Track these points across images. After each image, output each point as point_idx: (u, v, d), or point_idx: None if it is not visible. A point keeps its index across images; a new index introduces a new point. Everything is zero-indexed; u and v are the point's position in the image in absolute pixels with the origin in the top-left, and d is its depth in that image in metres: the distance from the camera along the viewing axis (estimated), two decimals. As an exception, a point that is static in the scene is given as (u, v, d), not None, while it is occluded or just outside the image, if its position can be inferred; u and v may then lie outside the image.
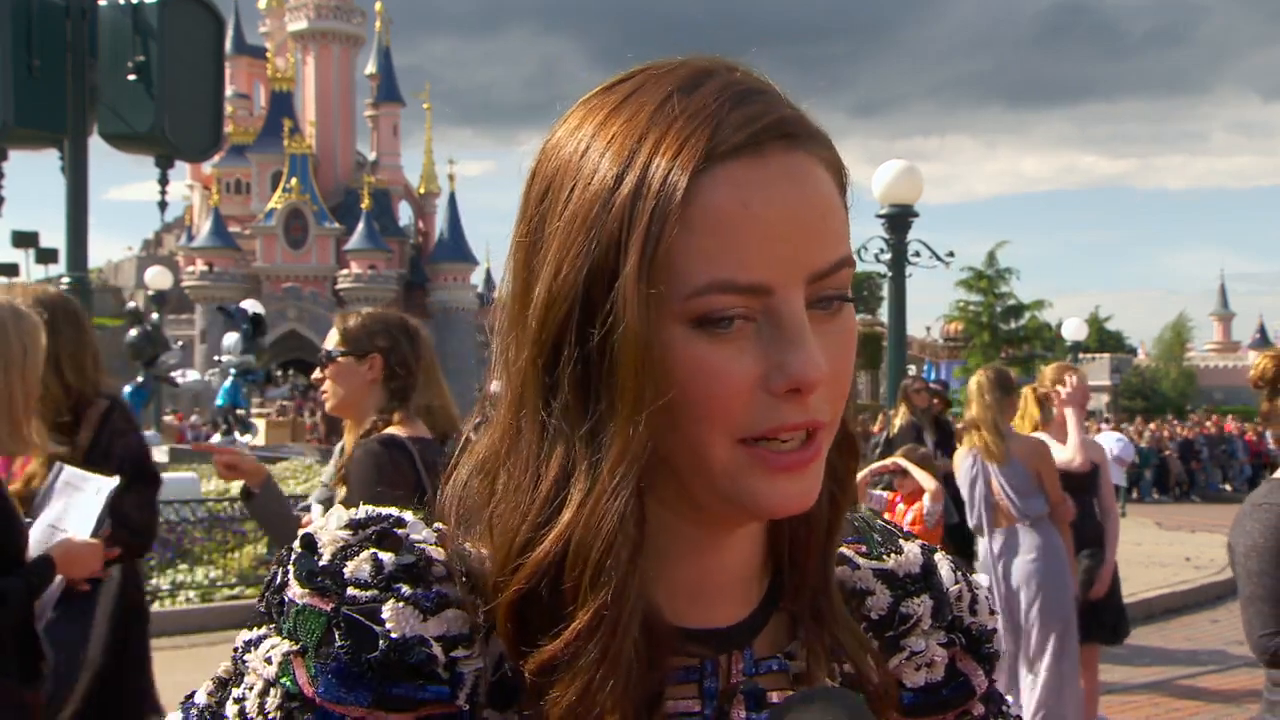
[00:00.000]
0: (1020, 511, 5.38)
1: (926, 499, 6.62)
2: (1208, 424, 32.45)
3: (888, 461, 7.10)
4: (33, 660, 2.89)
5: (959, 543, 6.45)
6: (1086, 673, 5.77)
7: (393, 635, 0.71)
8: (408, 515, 0.77)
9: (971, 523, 5.62)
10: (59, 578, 2.96)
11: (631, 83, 0.75)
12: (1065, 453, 5.64)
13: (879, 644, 0.86)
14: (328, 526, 0.76)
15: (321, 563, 0.74)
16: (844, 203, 0.76)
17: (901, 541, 0.92)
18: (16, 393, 2.81)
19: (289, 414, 28.46)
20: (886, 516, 0.93)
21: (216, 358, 23.11)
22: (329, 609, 0.72)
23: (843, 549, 0.89)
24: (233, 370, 21.09)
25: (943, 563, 0.92)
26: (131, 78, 6.56)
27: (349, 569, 0.73)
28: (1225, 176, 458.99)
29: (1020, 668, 5.45)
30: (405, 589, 0.73)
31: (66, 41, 6.65)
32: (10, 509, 2.83)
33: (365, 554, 0.74)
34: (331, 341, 3.08)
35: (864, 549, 0.90)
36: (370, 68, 79.45)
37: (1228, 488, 28.80)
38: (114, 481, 3.17)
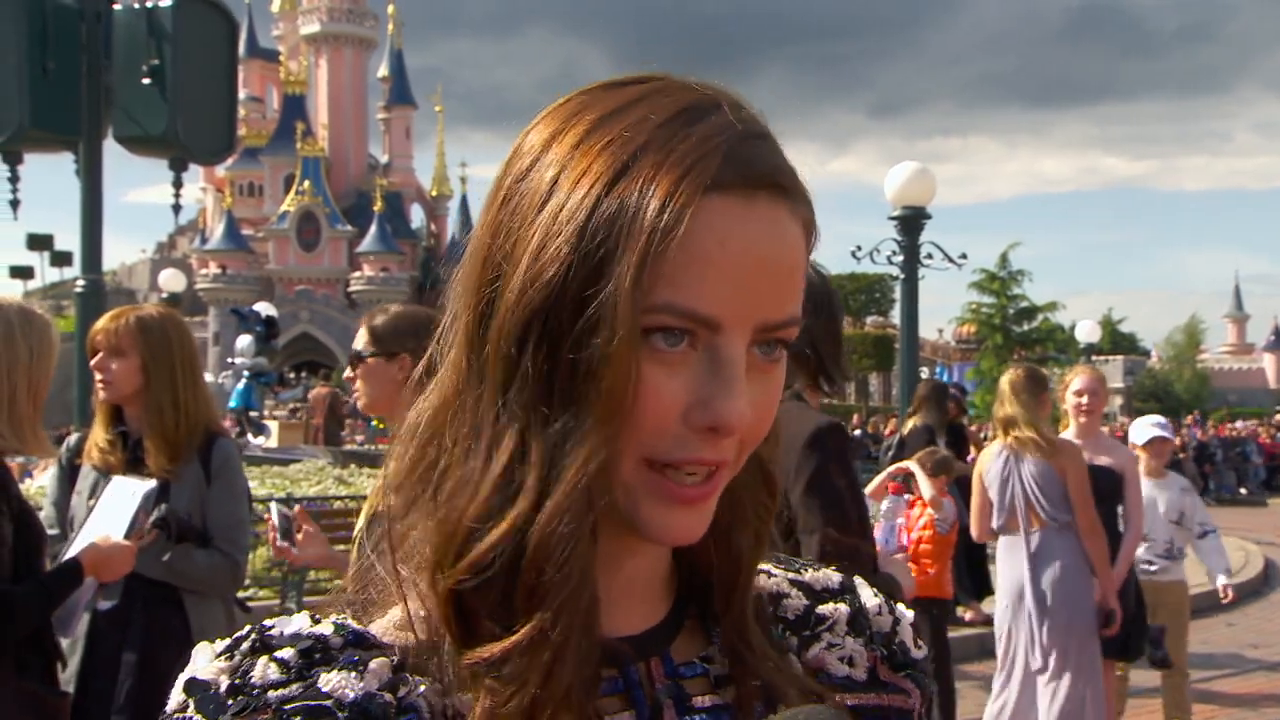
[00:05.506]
0: (1047, 515, 5.29)
1: (931, 508, 6.60)
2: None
3: (902, 465, 7.08)
4: (54, 669, 2.89)
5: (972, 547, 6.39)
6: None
7: (347, 701, 0.69)
8: (268, 620, 0.74)
9: (996, 523, 5.49)
10: (90, 580, 2.97)
11: (635, 89, 0.75)
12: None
13: (795, 641, 0.88)
14: (198, 665, 0.72)
15: (224, 688, 0.70)
16: (807, 261, 0.77)
17: (824, 569, 0.95)
18: (21, 394, 2.81)
19: (301, 416, 28.55)
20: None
21: (229, 360, 23.18)
22: (268, 716, 0.68)
23: (761, 564, 0.91)
24: (246, 372, 21.17)
25: (864, 586, 0.94)
26: (145, 81, 6.58)
27: (256, 679, 0.70)
28: (1246, 177, 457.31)
29: (1039, 678, 5.37)
30: (322, 667, 0.70)
31: (81, 44, 6.68)
32: (28, 514, 2.83)
33: (261, 661, 0.70)
34: (360, 341, 2.98)
35: (782, 565, 0.93)
36: (383, 70, 79.67)
37: (1243, 490, 28.66)
38: (150, 484, 3.18)
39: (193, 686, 0.71)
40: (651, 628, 0.81)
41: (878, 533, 4.39)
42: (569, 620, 0.70)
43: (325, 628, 0.73)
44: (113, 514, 3.12)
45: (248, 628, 0.74)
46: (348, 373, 3.05)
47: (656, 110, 0.73)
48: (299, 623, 0.74)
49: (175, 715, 0.70)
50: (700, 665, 0.82)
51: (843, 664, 0.88)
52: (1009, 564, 5.45)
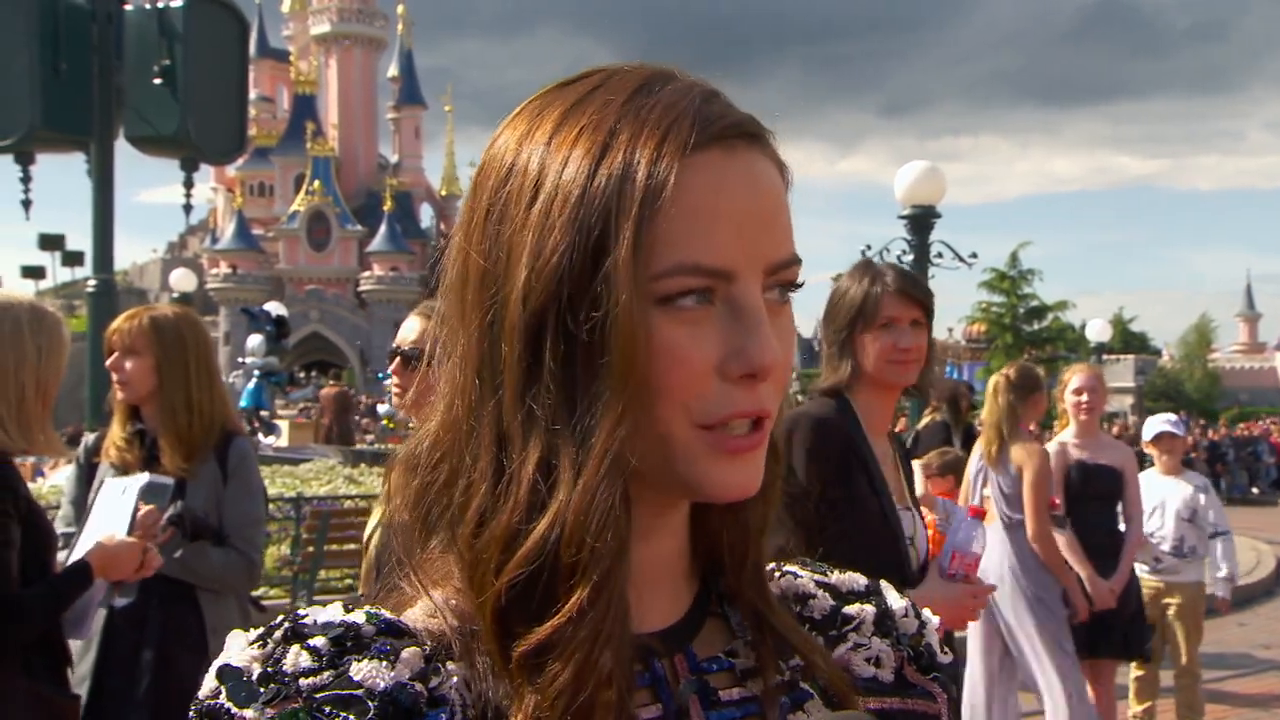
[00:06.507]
0: (1002, 514, 5.32)
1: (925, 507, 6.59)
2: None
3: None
4: (63, 671, 2.86)
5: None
6: (1099, 688, 5.63)
7: (377, 690, 0.69)
8: (303, 609, 0.75)
9: None
10: (101, 581, 2.95)
11: (589, 80, 0.77)
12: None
13: (822, 641, 0.89)
14: (231, 652, 0.72)
15: (256, 676, 0.70)
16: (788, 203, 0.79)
17: (850, 572, 0.96)
18: (29, 392, 2.78)
19: (312, 415, 28.63)
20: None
21: (240, 360, 23.21)
22: (299, 705, 0.68)
23: (788, 566, 0.94)
24: (256, 372, 21.19)
25: (890, 589, 0.96)
26: (157, 81, 6.59)
27: (288, 666, 0.70)
28: (1257, 176, 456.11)
29: (1006, 668, 5.40)
30: (355, 656, 0.71)
31: (92, 45, 6.69)
32: (36, 515, 2.80)
33: (294, 649, 0.71)
34: (412, 338, 2.81)
35: (808, 568, 0.95)
36: (393, 70, 79.79)
37: (1254, 490, 28.55)
38: (142, 478, 3.18)
39: (225, 673, 0.71)
40: (675, 623, 0.82)
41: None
42: (610, 591, 0.71)
43: (358, 616, 0.74)
44: (110, 514, 3.11)
45: (281, 616, 0.74)
46: (394, 366, 2.83)
47: (617, 91, 0.75)
48: (332, 612, 0.74)
49: (207, 701, 0.71)
50: (725, 660, 0.83)
51: (869, 665, 0.89)
52: None
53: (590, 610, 0.70)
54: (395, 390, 2.87)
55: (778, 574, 0.93)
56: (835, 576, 0.94)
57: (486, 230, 0.76)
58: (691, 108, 0.74)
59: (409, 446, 0.80)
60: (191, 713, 0.71)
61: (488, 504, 0.74)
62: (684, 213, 0.71)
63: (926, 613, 0.96)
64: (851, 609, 0.91)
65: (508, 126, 0.78)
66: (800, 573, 0.94)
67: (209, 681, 0.71)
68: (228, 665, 0.71)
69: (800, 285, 0.79)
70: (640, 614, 0.77)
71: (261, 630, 0.73)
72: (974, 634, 5.48)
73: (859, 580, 0.94)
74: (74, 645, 3.03)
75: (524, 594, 0.72)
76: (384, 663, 0.70)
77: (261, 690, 0.69)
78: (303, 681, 0.69)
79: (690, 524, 0.84)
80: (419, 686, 0.71)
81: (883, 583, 0.96)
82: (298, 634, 0.72)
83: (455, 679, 0.72)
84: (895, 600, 0.94)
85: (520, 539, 0.72)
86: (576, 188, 0.72)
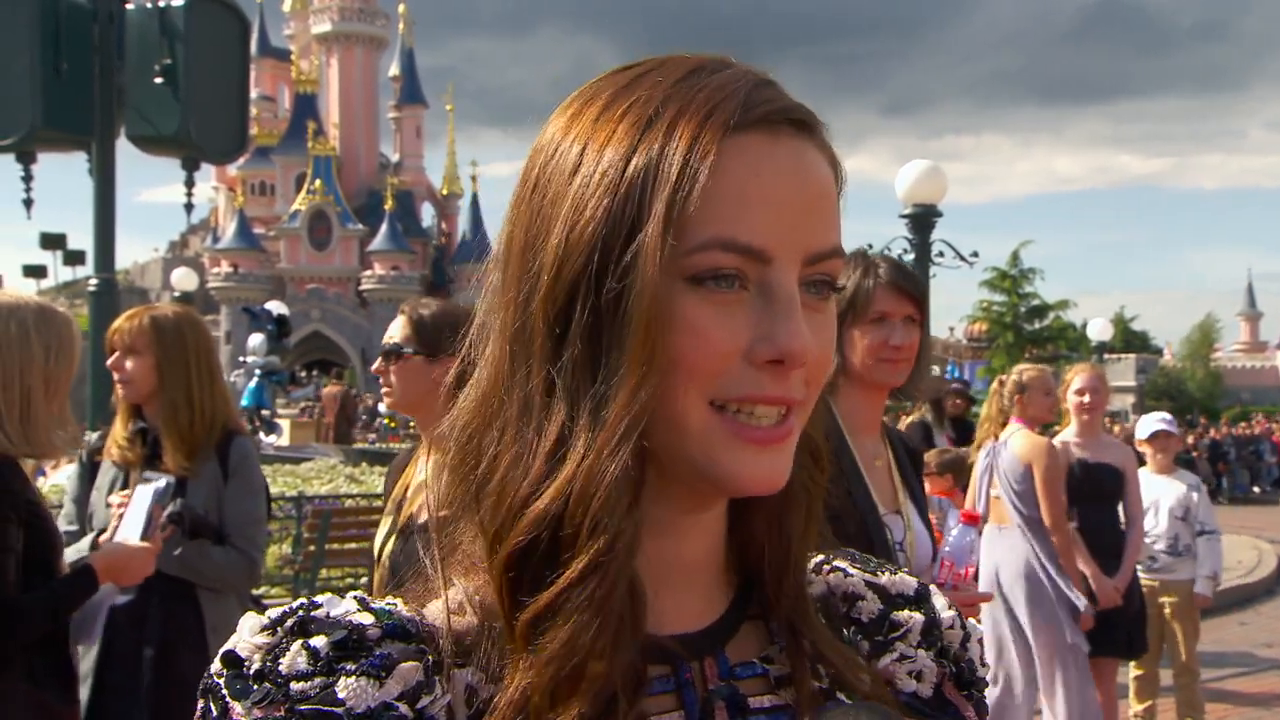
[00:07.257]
0: (1015, 511, 5.33)
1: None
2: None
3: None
4: (67, 676, 2.81)
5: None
6: (1100, 688, 5.58)
7: (357, 711, 0.68)
8: (320, 598, 0.74)
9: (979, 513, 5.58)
10: (109, 586, 2.91)
11: (643, 66, 0.78)
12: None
13: (868, 646, 0.87)
14: (242, 636, 0.72)
15: (254, 670, 0.70)
16: (838, 198, 0.77)
17: (901, 572, 0.93)
18: (36, 395, 2.73)
19: (314, 414, 28.62)
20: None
21: (241, 359, 23.22)
22: (281, 714, 0.68)
23: (838, 561, 0.91)
24: (258, 371, 21.22)
25: (938, 595, 0.93)
26: (158, 80, 6.59)
27: (284, 666, 0.70)
28: (1260, 175, 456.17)
29: (1022, 669, 5.39)
30: (349, 665, 0.70)
31: (93, 44, 6.69)
32: (40, 518, 2.75)
33: (295, 646, 0.70)
34: (400, 334, 2.80)
35: (858, 564, 0.92)
36: (394, 69, 79.80)
37: (1256, 489, 28.54)
38: (159, 481, 3.16)
39: (229, 659, 0.72)
40: (707, 626, 0.80)
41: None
42: (613, 558, 0.70)
43: (366, 616, 0.73)
44: (132, 518, 3.10)
45: (300, 601, 0.74)
46: (377, 365, 2.86)
47: (669, 74, 0.75)
48: (345, 606, 0.73)
49: (213, 677, 0.72)
50: (759, 665, 0.81)
51: (911, 679, 0.87)
52: (986, 554, 5.48)
53: (591, 575, 0.69)
54: (384, 389, 2.88)
55: (826, 568, 0.91)
56: (885, 577, 0.91)
57: (530, 205, 0.76)
58: (740, 91, 0.73)
59: (443, 428, 0.79)
60: (201, 683, 0.72)
61: (510, 476, 0.73)
62: (720, 192, 0.71)
63: (972, 623, 0.93)
64: (900, 615, 0.89)
65: (559, 111, 0.78)
66: (850, 570, 0.91)
67: (216, 661, 0.72)
68: (234, 652, 0.72)
69: (842, 289, 0.78)
70: (669, 615, 0.76)
71: (277, 614, 0.73)
72: (1003, 626, 5.48)
73: (909, 583, 0.91)
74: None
75: (533, 564, 0.71)
76: (372, 680, 0.69)
77: (254, 688, 0.69)
78: (293, 686, 0.69)
79: (732, 528, 0.82)
80: (404, 708, 0.69)
81: (932, 588, 0.93)
82: (304, 629, 0.71)
83: (449, 698, 0.71)
84: (943, 608, 0.92)
85: (532, 502, 0.71)
86: (619, 159, 0.72)
